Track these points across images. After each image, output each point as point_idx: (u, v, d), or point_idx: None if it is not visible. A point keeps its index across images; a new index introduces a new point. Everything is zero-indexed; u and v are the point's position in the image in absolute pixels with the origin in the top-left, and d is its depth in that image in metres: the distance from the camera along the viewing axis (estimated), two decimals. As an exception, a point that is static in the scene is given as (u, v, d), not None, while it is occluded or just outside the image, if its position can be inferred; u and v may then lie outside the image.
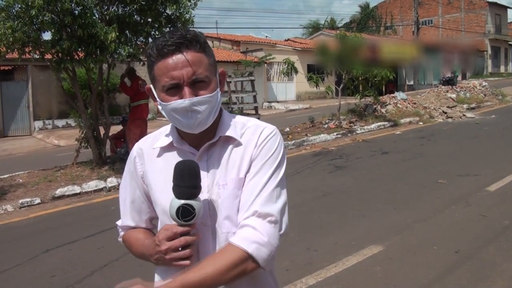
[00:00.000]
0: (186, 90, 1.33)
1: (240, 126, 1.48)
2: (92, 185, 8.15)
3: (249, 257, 1.30)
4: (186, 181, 1.30)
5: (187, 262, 1.33)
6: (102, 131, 9.56)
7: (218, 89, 1.41)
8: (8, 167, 10.54)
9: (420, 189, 7.06)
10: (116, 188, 8.21)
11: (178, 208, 1.28)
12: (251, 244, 1.30)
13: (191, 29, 1.42)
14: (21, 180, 8.70)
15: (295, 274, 4.16)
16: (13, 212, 7.16)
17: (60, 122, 19.92)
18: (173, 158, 1.45)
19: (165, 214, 1.41)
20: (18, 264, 4.95)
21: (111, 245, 5.31)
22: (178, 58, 1.32)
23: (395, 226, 5.44)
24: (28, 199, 7.49)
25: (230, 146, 1.44)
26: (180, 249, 1.33)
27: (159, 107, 1.40)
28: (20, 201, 7.41)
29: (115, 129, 10.99)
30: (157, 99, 1.40)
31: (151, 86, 1.43)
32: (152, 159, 1.50)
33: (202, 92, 1.35)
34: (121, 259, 4.80)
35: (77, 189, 7.99)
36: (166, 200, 1.39)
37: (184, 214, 1.28)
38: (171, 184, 1.35)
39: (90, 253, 5.20)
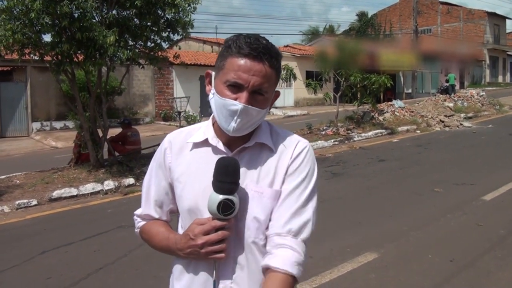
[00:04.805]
0: (245, 95, 1.35)
1: (275, 135, 1.51)
2: (89, 187, 8.15)
3: (294, 279, 1.37)
4: (230, 176, 1.34)
5: (222, 255, 1.36)
6: (100, 133, 9.57)
7: (268, 108, 1.45)
8: (5, 168, 10.54)
9: (416, 197, 7.08)
10: (112, 191, 8.23)
11: (220, 203, 1.32)
12: (294, 266, 1.36)
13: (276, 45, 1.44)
14: (18, 181, 8.69)
15: (290, 280, 4.16)
16: (9, 213, 7.16)
17: (58, 124, 19.90)
18: (206, 155, 1.47)
19: (191, 209, 1.45)
20: (14, 265, 4.94)
21: (107, 248, 5.32)
22: (254, 64, 1.35)
23: (391, 233, 5.46)
24: (25, 201, 7.48)
25: (264, 153, 1.47)
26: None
27: (210, 95, 1.44)
28: (17, 202, 7.41)
29: (113, 132, 11.00)
30: (213, 87, 1.42)
31: (213, 72, 1.45)
32: (183, 152, 1.51)
33: (256, 104, 1.38)
34: (117, 263, 4.80)
35: (74, 191, 7.98)
36: (195, 195, 1.44)
37: (225, 208, 1.32)
38: (201, 179, 1.41)
39: (86, 255, 5.20)
